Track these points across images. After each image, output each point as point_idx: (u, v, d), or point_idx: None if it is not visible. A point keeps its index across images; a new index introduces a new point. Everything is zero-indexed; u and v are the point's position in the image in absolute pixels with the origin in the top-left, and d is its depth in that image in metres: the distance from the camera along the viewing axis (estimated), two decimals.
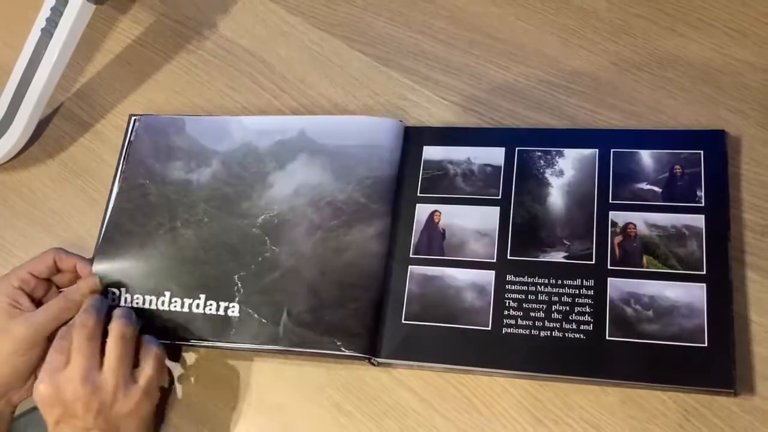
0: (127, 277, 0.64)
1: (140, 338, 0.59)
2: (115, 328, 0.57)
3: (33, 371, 0.61)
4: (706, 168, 0.58)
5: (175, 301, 0.63)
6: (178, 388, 0.63)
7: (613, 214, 0.58)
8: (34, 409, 0.80)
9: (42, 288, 0.63)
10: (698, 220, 0.57)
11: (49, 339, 0.60)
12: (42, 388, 0.55)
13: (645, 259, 0.56)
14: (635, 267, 0.56)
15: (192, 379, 0.63)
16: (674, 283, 0.55)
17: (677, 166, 0.58)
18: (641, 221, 0.57)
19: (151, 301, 0.63)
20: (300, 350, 0.60)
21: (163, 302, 0.63)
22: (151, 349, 0.59)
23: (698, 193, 0.57)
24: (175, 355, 0.64)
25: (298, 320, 0.60)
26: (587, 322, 0.56)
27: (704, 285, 0.55)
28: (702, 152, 0.59)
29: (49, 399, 0.55)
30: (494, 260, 0.59)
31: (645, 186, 0.59)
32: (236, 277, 0.62)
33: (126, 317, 0.59)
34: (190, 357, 0.64)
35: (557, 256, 0.58)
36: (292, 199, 0.65)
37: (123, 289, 0.64)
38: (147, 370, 0.57)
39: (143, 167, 0.69)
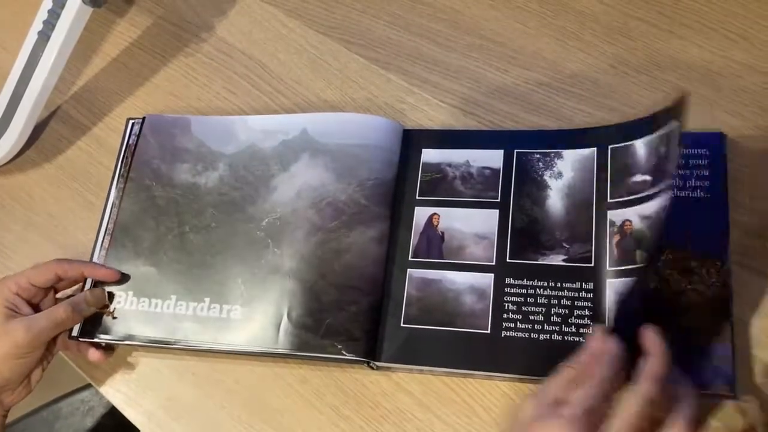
0: (134, 279, 0.64)
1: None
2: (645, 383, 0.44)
3: (27, 375, 0.60)
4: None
5: (181, 305, 0.63)
6: (175, 392, 0.63)
7: (611, 214, 0.58)
8: (32, 413, 0.79)
9: (40, 295, 0.62)
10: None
11: (49, 344, 0.60)
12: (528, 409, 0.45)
13: (637, 254, 0.56)
14: (631, 265, 0.56)
15: (191, 383, 0.63)
16: None
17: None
18: (635, 216, 0.57)
19: (157, 304, 0.63)
20: (299, 354, 0.60)
21: (168, 305, 0.63)
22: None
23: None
24: (175, 358, 0.63)
25: (298, 323, 0.60)
26: (586, 325, 0.55)
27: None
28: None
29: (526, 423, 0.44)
30: (493, 263, 0.59)
31: (638, 178, 0.58)
32: (240, 280, 0.62)
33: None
34: (187, 360, 0.63)
35: (557, 259, 0.58)
36: (295, 202, 0.64)
37: (130, 293, 0.64)
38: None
39: (150, 168, 0.68)
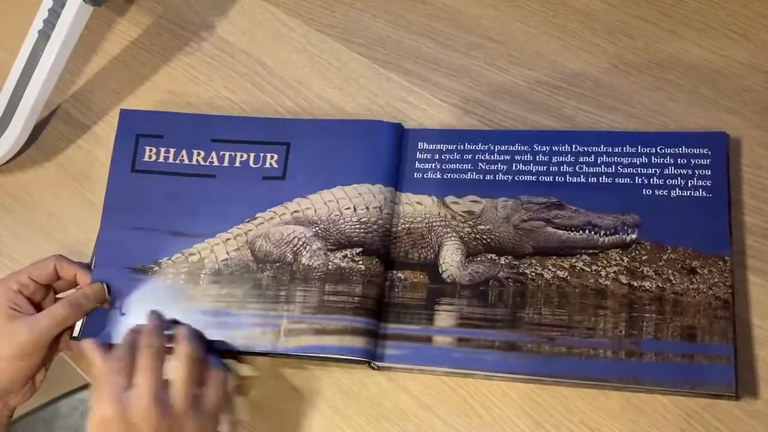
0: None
1: (204, 360, 0.57)
2: (182, 348, 0.56)
3: (32, 376, 0.60)
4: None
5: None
6: None
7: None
8: (31, 412, 0.80)
9: (41, 292, 0.62)
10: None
11: (51, 344, 0.60)
12: (108, 409, 0.52)
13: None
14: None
15: None
16: None
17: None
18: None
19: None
20: (300, 354, 0.59)
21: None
22: (216, 372, 0.56)
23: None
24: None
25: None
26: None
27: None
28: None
29: (114, 421, 0.51)
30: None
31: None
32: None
33: (192, 338, 0.57)
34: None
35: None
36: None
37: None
38: (212, 393, 0.55)
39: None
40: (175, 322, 0.61)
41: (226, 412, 0.57)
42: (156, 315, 0.60)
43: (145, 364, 0.54)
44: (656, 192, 0.58)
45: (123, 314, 0.63)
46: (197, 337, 0.58)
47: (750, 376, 0.53)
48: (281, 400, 0.61)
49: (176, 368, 0.54)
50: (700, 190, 0.57)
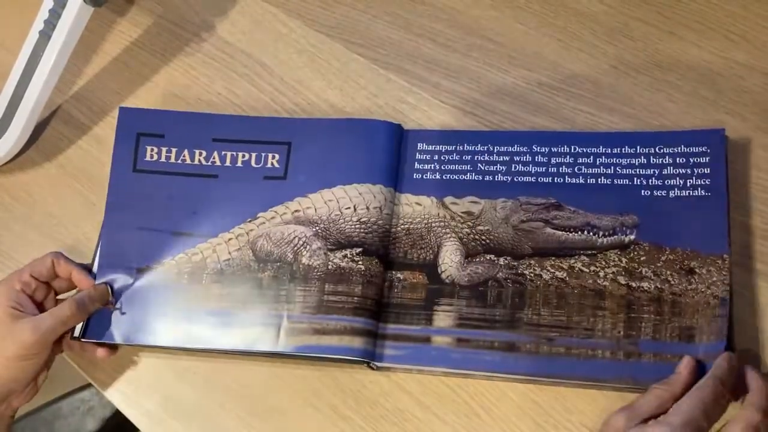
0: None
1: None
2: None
3: (35, 376, 0.60)
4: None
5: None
6: (176, 392, 0.63)
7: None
8: (32, 412, 0.80)
9: (42, 291, 0.62)
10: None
11: (55, 344, 0.60)
12: None
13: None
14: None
15: (191, 383, 0.63)
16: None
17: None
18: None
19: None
20: (299, 354, 0.60)
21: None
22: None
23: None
24: (175, 358, 0.64)
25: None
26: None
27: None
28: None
29: None
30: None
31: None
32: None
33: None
34: (188, 361, 0.63)
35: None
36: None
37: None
38: None
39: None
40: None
41: None
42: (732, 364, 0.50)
43: (696, 396, 0.48)
44: (655, 192, 0.58)
45: (123, 313, 0.63)
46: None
47: None
48: (280, 399, 0.61)
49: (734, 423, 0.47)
50: (699, 189, 0.57)
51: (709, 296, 0.54)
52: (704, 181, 0.57)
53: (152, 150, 0.68)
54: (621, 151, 0.60)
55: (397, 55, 0.72)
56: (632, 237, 0.58)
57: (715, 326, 0.53)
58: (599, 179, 0.60)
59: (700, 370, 0.51)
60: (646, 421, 0.48)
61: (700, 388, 0.48)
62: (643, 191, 0.58)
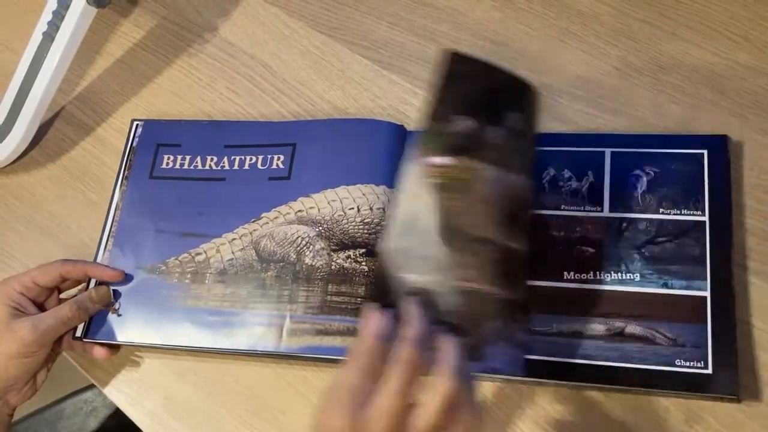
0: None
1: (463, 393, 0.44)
2: (443, 382, 0.42)
3: (34, 374, 0.61)
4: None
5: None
6: (178, 393, 0.63)
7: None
8: (35, 413, 0.80)
9: (45, 294, 0.63)
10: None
11: (54, 344, 0.60)
12: (336, 422, 0.43)
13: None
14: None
15: (193, 383, 0.63)
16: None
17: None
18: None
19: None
20: (301, 354, 0.60)
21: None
22: (473, 413, 0.43)
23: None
24: (177, 359, 0.64)
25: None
26: None
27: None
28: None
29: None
30: None
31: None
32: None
33: (460, 367, 0.43)
34: (190, 361, 0.63)
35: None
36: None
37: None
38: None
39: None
40: (441, 324, 0.46)
41: None
42: (423, 315, 0.45)
43: (395, 384, 0.42)
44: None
45: (120, 315, 0.63)
46: (464, 361, 0.44)
47: (751, 378, 0.53)
48: (282, 400, 0.61)
49: (428, 397, 0.42)
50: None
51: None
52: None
53: (168, 158, 0.69)
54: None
55: (399, 56, 0.72)
56: None
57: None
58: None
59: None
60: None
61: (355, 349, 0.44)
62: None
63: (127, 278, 0.64)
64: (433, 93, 0.51)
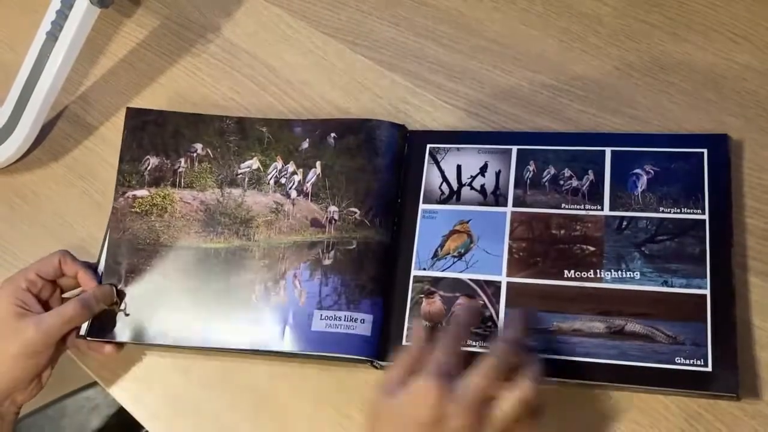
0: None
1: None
2: (523, 391, 0.47)
3: (39, 373, 0.61)
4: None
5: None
6: (181, 390, 0.63)
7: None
8: (38, 410, 0.80)
9: (48, 290, 0.63)
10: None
11: (58, 343, 0.61)
12: (427, 387, 0.46)
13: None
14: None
15: (197, 381, 0.63)
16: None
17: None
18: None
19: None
20: (304, 353, 0.60)
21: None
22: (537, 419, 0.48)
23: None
24: (180, 356, 0.64)
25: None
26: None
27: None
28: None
29: (428, 418, 0.45)
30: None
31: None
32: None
33: (536, 377, 0.48)
34: (193, 359, 0.64)
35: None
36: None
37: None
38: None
39: None
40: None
41: None
42: (519, 327, 0.52)
43: (486, 369, 0.47)
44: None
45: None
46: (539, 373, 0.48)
47: (751, 377, 0.53)
48: (285, 398, 0.61)
49: (510, 394, 0.46)
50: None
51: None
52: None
53: None
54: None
55: (401, 56, 0.72)
56: None
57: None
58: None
59: None
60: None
61: (444, 333, 0.50)
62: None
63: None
64: (123, 142, 0.69)
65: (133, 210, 0.67)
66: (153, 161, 0.68)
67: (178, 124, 0.70)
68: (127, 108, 0.71)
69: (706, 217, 0.57)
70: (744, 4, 0.66)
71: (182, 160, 0.68)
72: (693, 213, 0.57)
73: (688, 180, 0.58)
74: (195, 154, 0.68)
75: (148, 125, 0.70)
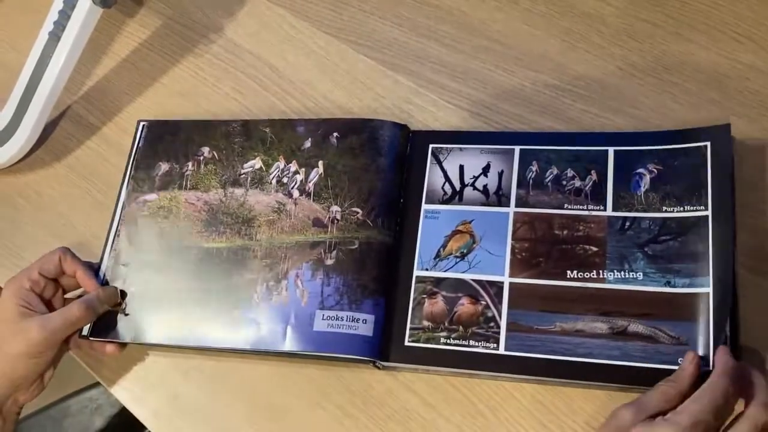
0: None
1: None
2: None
3: (42, 373, 0.61)
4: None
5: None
6: (182, 390, 0.63)
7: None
8: (41, 411, 0.80)
9: (50, 289, 0.63)
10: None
11: (62, 342, 0.61)
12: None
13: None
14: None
15: (199, 381, 0.63)
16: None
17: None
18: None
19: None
20: (306, 353, 0.60)
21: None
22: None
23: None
24: (182, 357, 0.64)
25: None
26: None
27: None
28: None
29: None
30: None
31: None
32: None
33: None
34: (195, 359, 0.64)
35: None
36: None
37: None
38: None
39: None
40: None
41: None
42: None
43: (710, 402, 0.46)
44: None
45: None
46: None
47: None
48: (287, 398, 0.61)
49: (742, 424, 0.47)
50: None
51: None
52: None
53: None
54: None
55: (403, 56, 0.72)
56: None
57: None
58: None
59: (703, 365, 0.51)
60: (653, 417, 0.47)
61: (710, 386, 0.47)
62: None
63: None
64: (138, 152, 0.70)
65: (142, 213, 0.67)
66: (164, 167, 0.69)
67: (189, 131, 0.70)
68: (144, 121, 0.72)
69: (708, 212, 0.56)
70: (747, 3, 0.66)
71: (190, 163, 0.69)
72: (696, 210, 0.57)
73: (692, 175, 0.57)
74: (202, 158, 0.69)
75: (165, 135, 0.71)
